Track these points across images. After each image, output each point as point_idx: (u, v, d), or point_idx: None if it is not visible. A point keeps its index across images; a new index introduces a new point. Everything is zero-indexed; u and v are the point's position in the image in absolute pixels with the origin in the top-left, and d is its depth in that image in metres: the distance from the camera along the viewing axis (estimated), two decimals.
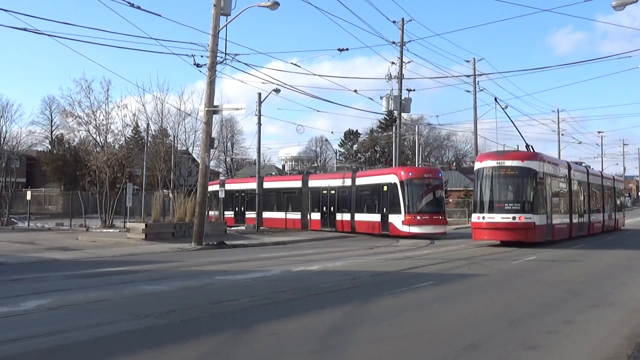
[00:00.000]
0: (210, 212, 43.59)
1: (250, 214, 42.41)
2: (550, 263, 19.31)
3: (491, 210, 25.40)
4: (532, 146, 29.45)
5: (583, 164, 39.07)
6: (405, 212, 31.89)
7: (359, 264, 19.07)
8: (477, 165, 27.09)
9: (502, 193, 25.79)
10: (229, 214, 45.14)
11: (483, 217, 25.45)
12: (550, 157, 30.71)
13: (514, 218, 24.62)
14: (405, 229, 31.69)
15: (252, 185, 43.45)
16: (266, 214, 41.10)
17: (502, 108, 36.61)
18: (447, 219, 35.61)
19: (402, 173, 33.48)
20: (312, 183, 40.76)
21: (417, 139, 57.63)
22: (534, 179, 25.47)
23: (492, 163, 26.08)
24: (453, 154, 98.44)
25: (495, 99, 34.98)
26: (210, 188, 46.36)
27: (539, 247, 24.78)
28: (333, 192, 38.08)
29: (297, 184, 41.87)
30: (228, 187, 46.00)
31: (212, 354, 7.60)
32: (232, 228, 37.24)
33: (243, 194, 45.78)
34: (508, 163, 25.67)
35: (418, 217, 31.88)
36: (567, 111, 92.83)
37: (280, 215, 40.96)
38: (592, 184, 36.27)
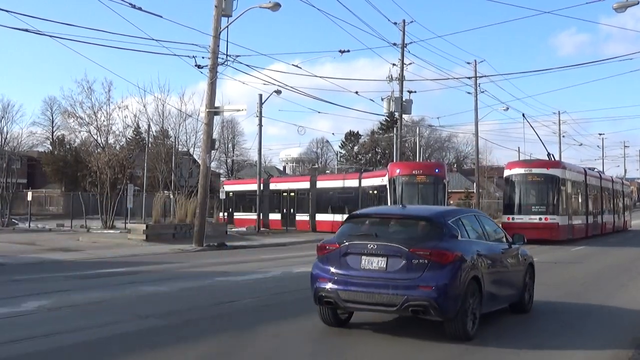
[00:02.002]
0: (248, 215, 41.09)
1: (302, 217, 38.67)
2: (552, 264, 19.30)
3: (520, 212, 28.75)
4: (553, 154, 34.05)
5: (595, 170, 42.62)
6: None
7: None
8: (507, 172, 30.57)
9: (529, 197, 29.22)
10: (275, 217, 40.87)
11: (513, 218, 28.65)
12: (570, 164, 34.48)
13: (540, 219, 27.84)
14: None
15: (304, 184, 40.31)
16: (319, 217, 37.60)
17: (530, 124, 39.46)
18: None
19: (392, 170, 29.50)
20: (365, 182, 35.84)
21: (418, 140, 57.46)
22: (557, 184, 28.70)
23: (521, 170, 29.62)
24: (454, 155, 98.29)
25: (523, 115, 38.38)
26: (249, 187, 44.03)
27: (547, 247, 25.60)
28: (375, 192, 33.92)
29: (354, 182, 37.07)
30: (273, 186, 42.72)
31: (213, 355, 7.61)
32: (239, 230, 37.09)
33: (292, 194, 40.44)
34: (535, 170, 29.25)
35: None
36: (568, 113, 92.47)
37: (338, 217, 34.99)
38: (604, 188, 39.22)
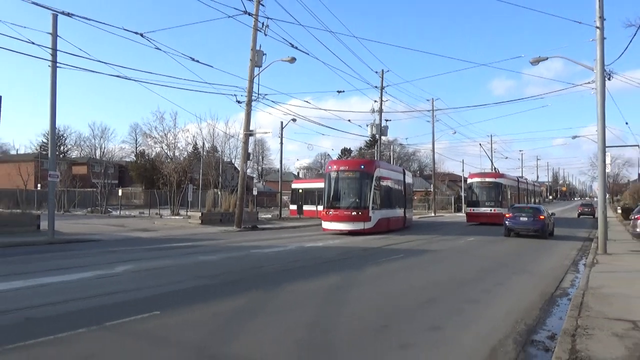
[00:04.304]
0: (315, 207, 35.18)
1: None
2: (484, 243, 19.23)
3: (478, 205, 31.53)
4: (497, 168, 39.91)
5: (523, 177, 47.15)
6: (323, 207, 23.41)
7: (352, 241, 18.98)
8: (469, 180, 33.28)
9: (484, 196, 31.60)
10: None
11: (473, 210, 31.76)
12: (509, 175, 37.41)
13: (490, 210, 30.81)
14: (323, 224, 23.00)
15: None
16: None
17: (485, 151, 45.87)
18: (372, 215, 22.29)
19: (327, 166, 24.32)
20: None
21: (392, 154, 57.49)
22: (501, 188, 31.50)
23: (478, 179, 32.35)
24: (417, 165, 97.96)
25: (480, 144, 45.21)
26: (315, 185, 37.42)
27: (496, 228, 27.06)
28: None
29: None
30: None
31: (248, 304, 7.57)
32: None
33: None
34: (487, 179, 32.08)
35: (331, 212, 22.43)
36: (498, 135, 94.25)
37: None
38: (529, 189, 42.76)
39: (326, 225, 22.70)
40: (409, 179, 30.38)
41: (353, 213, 22.07)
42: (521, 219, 21.26)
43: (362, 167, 23.16)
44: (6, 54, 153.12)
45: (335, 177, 22.88)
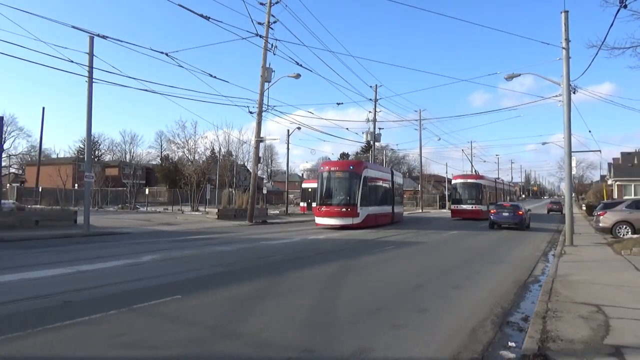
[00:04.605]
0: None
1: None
2: (465, 236, 19.15)
3: (461, 202, 31.40)
4: (477, 171, 42.03)
5: (500, 178, 47.66)
6: (316, 204, 22.53)
7: (348, 234, 18.90)
8: (453, 181, 33.34)
9: (466, 194, 31.57)
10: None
11: (457, 206, 31.54)
12: (487, 176, 37.10)
13: (472, 207, 31.02)
14: (316, 219, 22.15)
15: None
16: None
17: (467, 156, 45.58)
18: (360, 211, 21.39)
19: (320, 167, 23.48)
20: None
21: (384, 158, 57.44)
22: (480, 187, 31.59)
23: (461, 180, 32.41)
24: (407, 167, 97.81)
25: (462, 150, 45.36)
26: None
27: (478, 222, 27.49)
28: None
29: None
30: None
31: (259, 289, 7.54)
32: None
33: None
34: (469, 180, 32.14)
35: (323, 208, 21.56)
36: (477, 142, 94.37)
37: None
38: (505, 189, 43.46)
39: (319, 220, 21.79)
40: (398, 179, 29.71)
41: (343, 209, 21.16)
42: (504, 214, 22.42)
43: (351, 167, 22.08)
44: (49, 70, 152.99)
45: (327, 176, 21.87)
